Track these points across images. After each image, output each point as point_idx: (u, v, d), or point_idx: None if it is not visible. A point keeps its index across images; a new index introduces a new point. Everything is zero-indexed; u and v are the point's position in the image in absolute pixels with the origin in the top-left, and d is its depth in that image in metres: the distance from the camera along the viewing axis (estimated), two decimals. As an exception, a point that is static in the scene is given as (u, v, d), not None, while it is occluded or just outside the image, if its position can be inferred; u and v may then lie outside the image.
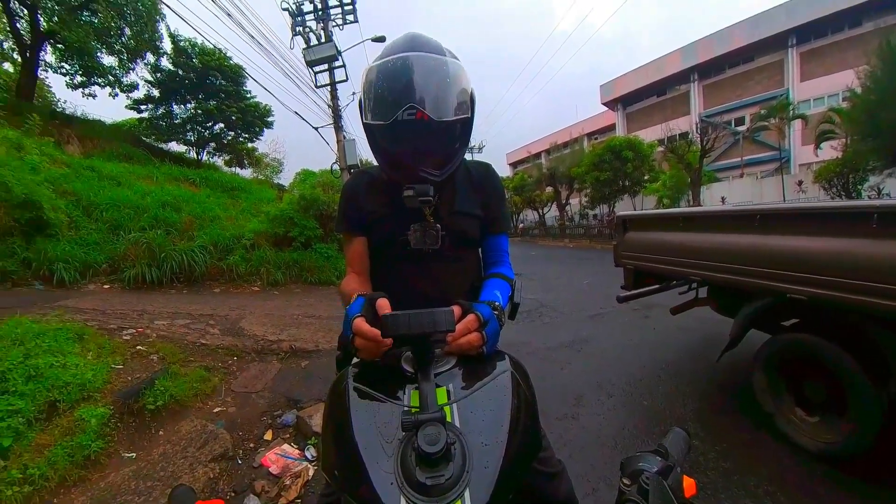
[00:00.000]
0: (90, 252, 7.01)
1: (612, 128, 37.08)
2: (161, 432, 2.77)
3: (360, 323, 0.74)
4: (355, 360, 0.84)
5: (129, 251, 7.12)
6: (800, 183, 19.19)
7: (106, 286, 6.70)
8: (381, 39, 11.32)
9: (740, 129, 26.34)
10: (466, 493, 0.52)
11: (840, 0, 22.59)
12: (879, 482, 2.02)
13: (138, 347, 3.68)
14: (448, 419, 0.60)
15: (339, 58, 11.52)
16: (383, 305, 0.79)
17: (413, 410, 0.61)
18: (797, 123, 21.77)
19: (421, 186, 0.90)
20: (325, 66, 11.62)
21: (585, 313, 5.86)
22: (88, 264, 6.81)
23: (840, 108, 15.93)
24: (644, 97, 34.36)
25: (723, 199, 20.61)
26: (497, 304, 0.91)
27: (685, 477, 0.56)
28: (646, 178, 20.55)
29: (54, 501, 2.11)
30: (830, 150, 15.88)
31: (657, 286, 3.55)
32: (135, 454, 2.53)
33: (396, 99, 0.85)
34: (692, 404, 2.98)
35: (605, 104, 37.44)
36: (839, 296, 1.95)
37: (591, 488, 2.16)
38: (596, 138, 37.40)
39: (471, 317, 0.81)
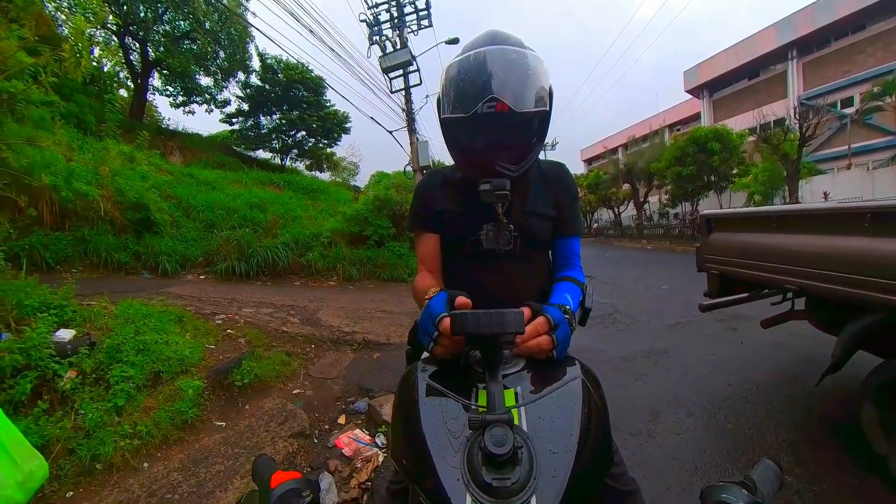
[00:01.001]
0: (188, 247, 7.97)
1: (696, 117, 33.76)
2: (247, 406, 3.09)
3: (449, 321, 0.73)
4: (424, 355, 0.86)
5: (221, 247, 7.97)
6: (923, 173, 16.11)
7: (202, 277, 7.55)
8: (454, 41, 11.51)
9: (848, 111, 22.44)
10: (533, 500, 0.52)
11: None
12: None
13: (228, 331, 4.11)
14: (516, 422, 0.60)
15: (414, 62, 11.88)
16: (462, 304, 0.79)
17: (481, 410, 0.61)
18: (921, 101, 17.87)
19: (498, 181, 0.89)
20: (400, 72, 12.06)
21: (664, 322, 5.47)
22: (187, 258, 7.74)
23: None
24: (733, 81, 30.76)
25: (825, 195, 17.80)
26: (568, 307, 0.89)
27: None
28: (734, 171, 18.52)
29: (158, 455, 2.46)
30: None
31: (746, 294, 3.19)
32: (224, 423, 2.85)
33: (477, 91, 0.86)
34: (785, 434, 2.62)
35: (688, 91, 34.10)
36: None
37: (666, 511, 2.00)
38: (678, 129, 34.39)
39: (541, 319, 0.80)
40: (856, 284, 2.02)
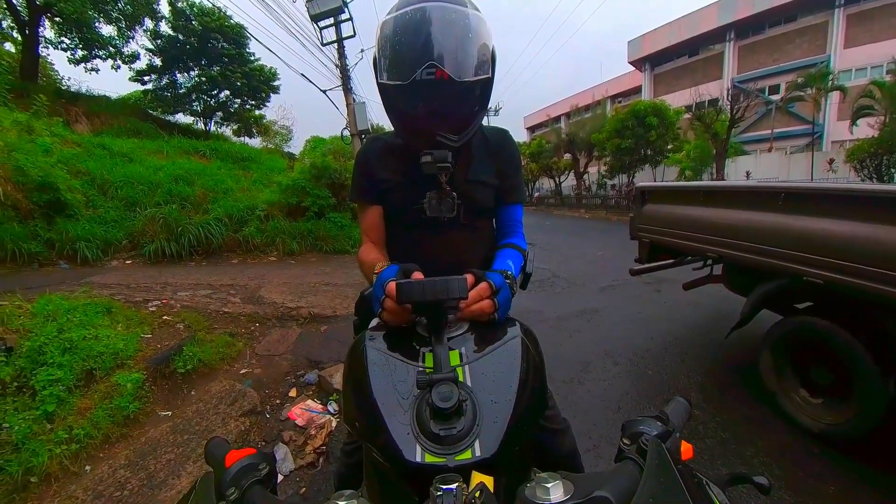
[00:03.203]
0: (109, 230, 7.24)
1: (637, 90, 34.87)
2: (193, 392, 2.98)
3: (394, 288, 0.74)
4: (372, 324, 0.88)
5: (146, 227, 7.33)
6: (830, 161, 18.04)
7: (128, 262, 6.96)
8: (389, -14, 10.36)
9: (774, 97, 24.42)
10: (476, 444, 0.57)
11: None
12: (875, 466, 2.05)
13: (164, 317, 3.87)
14: (460, 379, 0.64)
15: (346, 9, 10.54)
16: (420, 277, 0.80)
17: (427, 371, 0.65)
18: (835, 95, 19.90)
19: (439, 152, 0.87)
20: (331, 21, 10.72)
21: (597, 285, 5.88)
22: (109, 241, 7.04)
23: (882, 82, 14.73)
24: (674, 56, 31.91)
25: (747, 174, 19.62)
26: (509, 273, 0.92)
27: (683, 441, 0.58)
28: (669, 147, 19.35)
29: (100, 455, 2.32)
30: (866, 128, 14.77)
31: (671, 261, 3.53)
32: (170, 412, 2.73)
33: (415, 56, 0.80)
34: (696, 377, 3.04)
35: (631, 63, 34.91)
36: (858, 283, 1.90)
37: (593, 444, 2.29)
38: (620, 101, 35.19)
39: (483, 285, 0.83)
40: (766, 254, 2.39)
